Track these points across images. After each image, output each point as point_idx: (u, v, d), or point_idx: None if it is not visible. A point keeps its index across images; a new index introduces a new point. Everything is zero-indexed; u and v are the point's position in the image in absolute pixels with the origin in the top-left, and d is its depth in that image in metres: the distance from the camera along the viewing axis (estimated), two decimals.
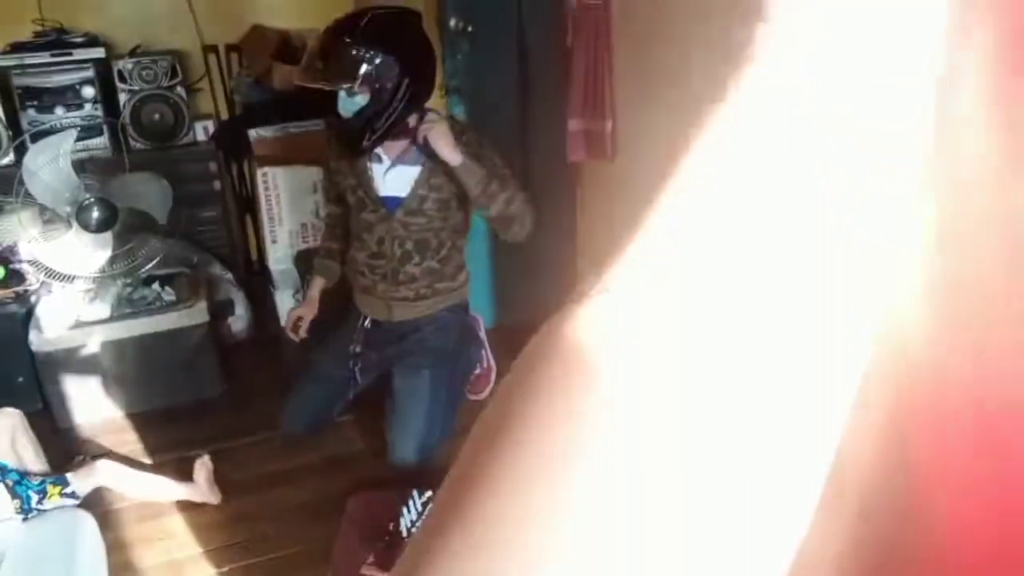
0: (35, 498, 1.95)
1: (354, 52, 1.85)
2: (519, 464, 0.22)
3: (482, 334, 2.34)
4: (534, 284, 2.88)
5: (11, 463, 2.06)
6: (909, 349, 0.27)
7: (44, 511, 1.95)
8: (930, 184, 0.27)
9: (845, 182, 0.25)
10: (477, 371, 2.31)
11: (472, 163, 1.89)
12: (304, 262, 2.96)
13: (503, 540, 0.20)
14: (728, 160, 0.25)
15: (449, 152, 1.87)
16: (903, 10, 0.25)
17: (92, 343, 2.54)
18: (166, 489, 2.16)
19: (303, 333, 2.20)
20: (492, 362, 2.36)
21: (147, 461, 2.38)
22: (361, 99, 1.88)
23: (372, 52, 1.85)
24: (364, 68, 1.85)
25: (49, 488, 1.97)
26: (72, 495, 2.00)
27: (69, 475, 2.02)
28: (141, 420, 2.58)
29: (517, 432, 0.22)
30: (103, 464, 2.11)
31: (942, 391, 0.26)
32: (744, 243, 0.25)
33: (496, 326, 2.72)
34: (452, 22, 2.69)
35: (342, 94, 1.88)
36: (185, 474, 2.24)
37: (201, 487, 2.14)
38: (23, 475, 2.00)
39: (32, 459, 2.14)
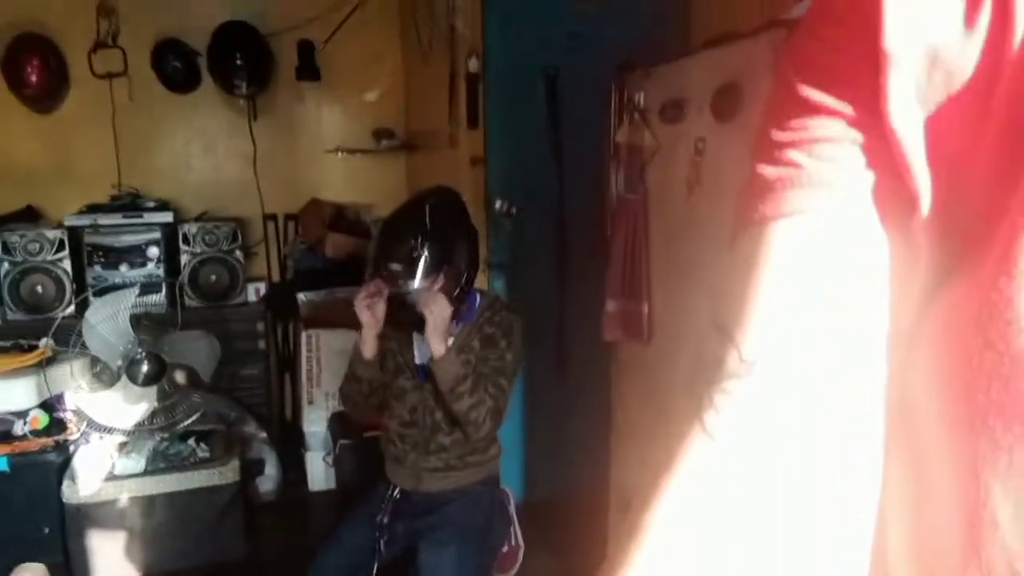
0: None
1: (428, 243, 1.92)
2: None
3: (511, 509, 2.29)
4: (566, 461, 2.86)
5: None
6: None
7: None
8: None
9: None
10: (505, 549, 2.25)
11: (454, 361, 1.90)
12: (337, 424, 2.99)
13: None
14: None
15: (434, 341, 1.89)
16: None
17: (123, 498, 2.55)
18: None
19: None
20: (520, 540, 2.30)
21: None
22: (434, 285, 1.93)
23: (443, 237, 1.95)
24: (440, 255, 1.92)
25: None
26: None
27: None
28: None
29: None
30: None
31: None
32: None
33: (526, 501, 2.68)
34: (497, 204, 2.86)
35: (414, 287, 1.92)
36: None
37: None
38: None
39: None
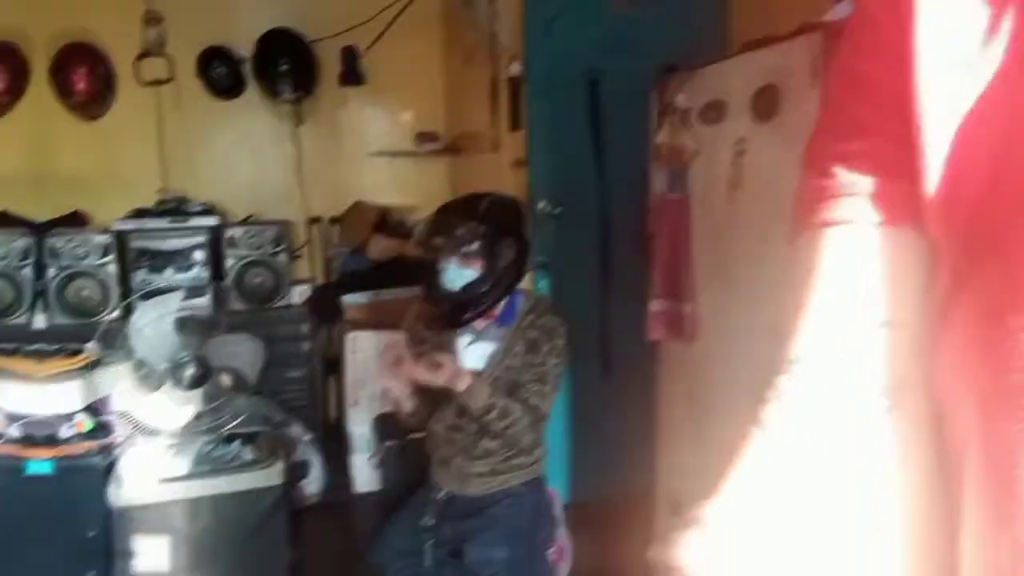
0: None
1: (476, 228, 1.95)
2: None
3: (558, 511, 2.26)
4: (612, 460, 2.83)
5: None
6: None
7: None
8: None
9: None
10: (552, 550, 2.22)
11: (481, 389, 1.89)
12: (382, 424, 2.98)
13: None
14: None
15: (454, 386, 1.89)
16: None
17: (168, 500, 2.56)
18: None
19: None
20: (567, 541, 2.27)
21: None
22: (471, 273, 1.96)
23: (492, 229, 1.96)
24: (484, 243, 1.95)
25: None
26: None
27: None
28: None
29: None
30: None
31: None
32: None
33: (572, 502, 2.64)
34: (541, 204, 2.85)
35: (452, 267, 1.96)
36: None
37: None
38: None
39: None
